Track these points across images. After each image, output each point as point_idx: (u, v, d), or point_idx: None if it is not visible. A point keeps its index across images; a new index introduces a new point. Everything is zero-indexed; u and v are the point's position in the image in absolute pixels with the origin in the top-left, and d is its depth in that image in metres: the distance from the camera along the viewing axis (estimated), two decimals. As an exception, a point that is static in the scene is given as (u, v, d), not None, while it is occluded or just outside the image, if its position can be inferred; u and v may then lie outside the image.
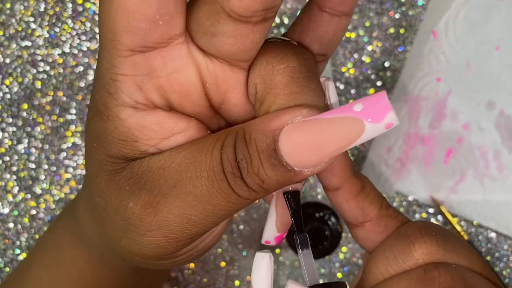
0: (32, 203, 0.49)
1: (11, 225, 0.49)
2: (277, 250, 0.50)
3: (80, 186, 0.49)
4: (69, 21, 0.49)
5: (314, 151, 0.17)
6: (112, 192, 0.20)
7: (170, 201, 0.19)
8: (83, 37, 0.49)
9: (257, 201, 0.49)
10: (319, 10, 0.21)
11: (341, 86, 0.50)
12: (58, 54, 0.49)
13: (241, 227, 0.50)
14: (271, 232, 0.23)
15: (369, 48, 0.50)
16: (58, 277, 0.30)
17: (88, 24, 0.49)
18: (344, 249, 0.48)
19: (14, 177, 0.49)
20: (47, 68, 0.49)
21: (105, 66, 0.18)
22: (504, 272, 0.49)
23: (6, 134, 0.49)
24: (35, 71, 0.49)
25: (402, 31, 0.49)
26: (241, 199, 0.19)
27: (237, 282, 0.50)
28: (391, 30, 0.50)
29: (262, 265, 0.21)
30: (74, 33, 0.49)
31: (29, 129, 0.49)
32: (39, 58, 0.49)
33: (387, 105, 0.16)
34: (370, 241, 0.23)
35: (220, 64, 0.19)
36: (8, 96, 0.49)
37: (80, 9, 0.49)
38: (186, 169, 0.19)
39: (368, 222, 0.22)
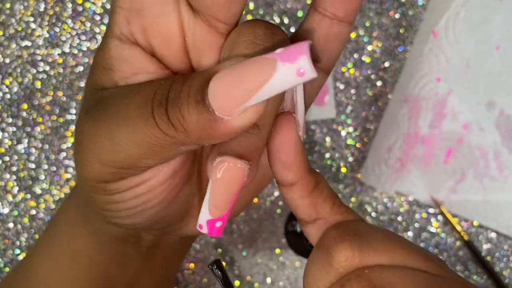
0: (32, 203, 0.49)
1: (11, 225, 0.49)
2: (277, 250, 0.50)
3: (80, 186, 0.49)
4: (69, 21, 0.49)
5: (231, 91, 0.17)
6: (83, 118, 0.21)
7: (104, 117, 0.20)
8: (83, 37, 0.49)
9: (256, 200, 0.49)
10: (312, 10, 0.21)
11: (341, 86, 0.50)
12: (58, 54, 0.49)
13: (241, 227, 0.50)
14: (204, 214, 0.20)
15: (369, 48, 0.50)
16: (61, 262, 0.30)
17: (88, 24, 0.49)
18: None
19: (14, 177, 0.49)
20: (47, 68, 0.49)
21: (113, 2, 0.20)
22: (504, 272, 0.49)
23: (6, 134, 0.49)
24: (35, 71, 0.49)
25: (402, 31, 0.50)
26: (160, 132, 0.18)
27: (237, 282, 0.50)
28: (391, 30, 0.50)
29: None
30: (74, 33, 0.49)
31: (29, 129, 0.49)
32: (39, 58, 0.49)
33: (303, 49, 0.16)
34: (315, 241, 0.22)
35: (201, 22, 0.20)
36: (8, 96, 0.49)
37: (80, 9, 0.49)
38: (128, 94, 0.20)
39: (320, 219, 0.22)
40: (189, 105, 0.18)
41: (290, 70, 0.16)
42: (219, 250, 0.50)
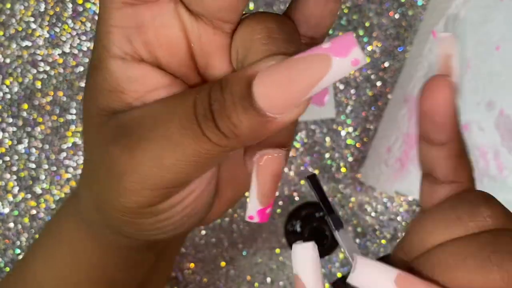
0: (32, 203, 0.49)
1: (11, 225, 0.49)
2: (277, 250, 0.50)
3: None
4: (69, 21, 0.49)
5: (283, 90, 0.17)
6: (98, 143, 0.20)
7: (144, 144, 0.19)
8: (83, 37, 0.49)
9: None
10: None
11: (341, 86, 0.50)
12: (58, 54, 0.49)
13: (241, 227, 0.50)
14: (254, 205, 0.21)
15: (369, 48, 0.50)
16: (60, 263, 0.29)
17: (88, 24, 0.49)
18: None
19: (14, 177, 0.49)
20: (47, 68, 0.49)
21: (100, 20, 0.19)
22: (504, 272, 0.49)
23: (7, 134, 0.49)
24: (35, 71, 0.49)
25: (402, 31, 0.50)
26: (212, 144, 0.18)
27: (237, 282, 0.50)
28: (391, 30, 0.50)
29: (307, 257, 0.20)
30: (74, 33, 0.49)
31: (29, 129, 0.49)
32: (39, 58, 0.49)
33: (352, 41, 0.17)
34: (436, 200, 0.22)
35: (204, 25, 0.20)
36: (9, 96, 0.49)
37: (80, 9, 0.49)
38: (162, 114, 0.19)
39: (457, 183, 0.22)
40: (238, 112, 0.18)
41: (346, 62, 0.17)
42: (219, 249, 0.50)
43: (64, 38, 0.49)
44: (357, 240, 0.48)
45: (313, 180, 0.21)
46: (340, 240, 0.21)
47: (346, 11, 0.50)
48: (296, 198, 0.50)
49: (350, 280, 0.19)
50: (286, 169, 0.50)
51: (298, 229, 0.47)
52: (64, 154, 0.49)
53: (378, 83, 0.50)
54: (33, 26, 0.49)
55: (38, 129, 0.49)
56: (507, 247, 0.19)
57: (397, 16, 0.50)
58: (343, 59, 0.17)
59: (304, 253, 0.20)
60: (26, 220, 0.49)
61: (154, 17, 0.20)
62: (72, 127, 0.49)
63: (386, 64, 0.50)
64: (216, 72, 0.21)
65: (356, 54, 0.17)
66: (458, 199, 0.21)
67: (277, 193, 0.50)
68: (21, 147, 0.49)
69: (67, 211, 0.30)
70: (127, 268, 0.29)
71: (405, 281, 0.19)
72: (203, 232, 0.50)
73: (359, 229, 0.50)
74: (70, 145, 0.49)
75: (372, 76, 0.50)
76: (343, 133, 0.50)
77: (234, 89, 0.18)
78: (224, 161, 0.26)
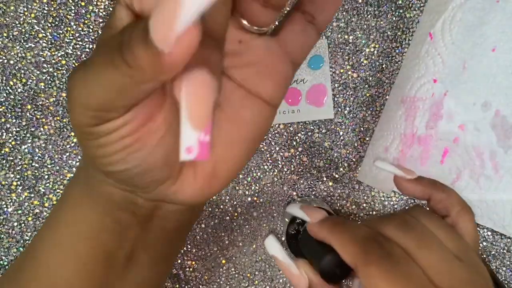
0: (36, 202, 0.49)
1: (15, 223, 0.49)
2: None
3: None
4: (72, 23, 0.49)
5: (158, 21, 0.18)
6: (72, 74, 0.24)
7: (81, 67, 0.22)
8: (86, 39, 0.49)
9: (256, 199, 0.50)
10: None
11: (339, 88, 0.50)
12: (61, 56, 0.49)
13: (241, 225, 0.50)
14: (186, 134, 0.21)
15: (367, 50, 0.50)
16: (65, 240, 0.31)
17: (91, 26, 0.49)
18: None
19: (18, 176, 0.49)
20: (51, 69, 0.49)
21: None
22: (500, 270, 0.49)
23: (10, 134, 0.49)
24: (38, 72, 0.49)
25: (399, 33, 0.50)
26: (120, 73, 0.21)
27: (237, 280, 0.50)
28: (389, 32, 0.50)
29: (272, 241, 0.31)
30: (77, 35, 0.49)
31: (32, 129, 0.49)
32: (43, 59, 0.49)
33: None
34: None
35: None
36: (12, 96, 0.49)
37: (83, 11, 0.49)
38: (103, 45, 0.23)
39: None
40: (138, 43, 0.19)
41: None
42: (219, 248, 0.50)
43: (67, 40, 0.49)
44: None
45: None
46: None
47: (344, 13, 0.50)
48: (296, 197, 0.50)
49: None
50: (285, 169, 0.50)
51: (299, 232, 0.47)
52: (67, 154, 0.49)
53: (376, 85, 0.50)
54: (37, 27, 0.49)
55: (42, 129, 0.49)
56: None
57: (394, 18, 0.50)
58: None
59: (271, 243, 0.31)
60: (29, 219, 0.49)
61: None
62: (75, 128, 0.49)
63: (384, 66, 0.50)
64: None
65: None
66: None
67: (268, 181, 0.50)
68: (24, 147, 0.49)
69: (72, 183, 0.32)
70: (116, 232, 0.30)
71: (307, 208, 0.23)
72: (204, 230, 0.50)
73: (357, 228, 0.50)
74: (73, 145, 0.49)
75: (370, 78, 0.50)
76: (341, 133, 0.50)
77: (139, 25, 0.20)
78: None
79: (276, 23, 0.30)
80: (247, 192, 0.50)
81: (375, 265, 0.26)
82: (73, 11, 0.49)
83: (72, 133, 0.49)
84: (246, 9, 0.25)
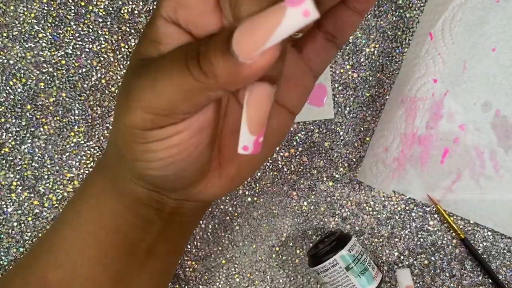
0: (36, 202, 0.49)
1: (14, 224, 0.49)
2: (277, 248, 0.50)
3: (82, 186, 0.49)
4: (72, 23, 0.49)
5: (250, 37, 0.20)
6: (130, 77, 0.25)
7: (147, 70, 0.24)
8: (86, 39, 0.49)
9: (256, 199, 0.50)
10: (341, 3, 0.27)
11: (340, 88, 0.50)
12: (61, 56, 0.49)
13: (242, 225, 0.50)
14: (245, 133, 0.23)
15: (367, 50, 0.50)
16: (86, 228, 0.32)
17: (91, 26, 0.49)
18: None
19: (18, 176, 0.49)
20: (51, 69, 0.49)
21: None
22: (500, 270, 0.49)
23: (10, 134, 0.49)
24: (38, 72, 0.49)
25: (399, 33, 0.50)
26: (194, 80, 0.22)
27: (237, 280, 0.50)
28: (389, 32, 0.50)
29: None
30: (77, 35, 0.49)
31: (32, 129, 0.49)
32: (42, 59, 0.49)
33: None
34: None
35: None
36: (12, 96, 0.49)
37: (83, 11, 0.49)
38: (168, 54, 0.24)
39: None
40: (217, 54, 0.21)
41: (297, 12, 0.19)
42: (219, 248, 0.50)
43: (67, 40, 0.49)
44: (355, 238, 0.48)
45: None
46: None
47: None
48: (295, 197, 0.50)
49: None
50: (285, 169, 0.50)
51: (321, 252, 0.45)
52: (67, 154, 0.49)
53: (376, 85, 0.50)
54: (36, 27, 0.49)
55: (41, 129, 0.49)
56: None
57: (394, 18, 0.50)
58: (294, 8, 0.19)
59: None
60: (29, 219, 0.49)
61: (197, 4, 0.24)
62: (75, 128, 0.49)
63: (384, 66, 0.50)
64: None
65: (307, 6, 0.19)
66: None
67: (268, 181, 0.50)
68: (24, 147, 0.49)
69: (92, 181, 0.34)
70: (139, 227, 0.32)
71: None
72: (204, 230, 0.50)
73: (357, 228, 0.50)
74: (72, 145, 0.49)
75: (370, 78, 0.50)
76: (341, 133, 0.50)
77: (219, 37, 0.21)
78: (224, 129, 0.30)
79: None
80: (247, 192, 0.50)
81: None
82: (73, 11, 0.49)
83: (72, 133, 0.49)
84: None
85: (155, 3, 0.49)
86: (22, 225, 0.49)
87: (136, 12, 0.49)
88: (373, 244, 0.50)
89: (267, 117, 0.23)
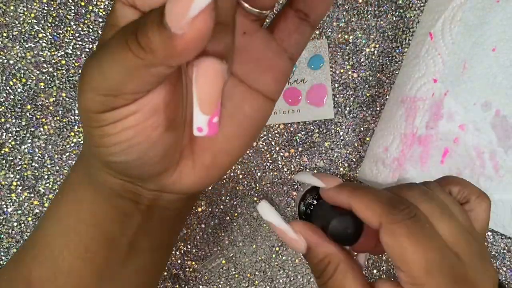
0: (36, 202, 0.49)
1: (15, 223, 0.49)
2: (277, 248, 0.50)
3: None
4: (72, 23, 0.49)
5: (175, 4, 0.19)
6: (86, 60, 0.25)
7: (96, 53, 0.23)
8: (86, 39, 0.49)
9: (256, 199, 0.50)
10: None
11: (339, 88, 0.50)
12: (61, 56, 0.49)
13: (242, 225, 0.50)
14: (197, 114, 0.23)
15: (367, 50, 0.50)
16: (67, 222, 0.32)
17: (91, 26, 0.49)
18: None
19: (18, 176, 0.49)
20: (51, 69, 0.49)
21: None
22: (500, 271, 0.49)
23: (10, 134, 0.49)
24: (38, 72, 0.49)
25: (399, 33, 0.50)
26: (134, 56, 0.22)
27: (237, 280, 0.50)
28: (389, 32, 0.50)
29: (264, 206, 0.28)
30: (76, 34, 0.49)
31: (32, 129, 0.49)
32: (42, 59, 0.49)
33: None
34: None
35: None
36: (12, 96, 0.49)
37: (83, 11, 0.49)
38: (115, 33, 0.24)
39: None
40: (153, 27, 0.21)
41: None
42: (219, 248, 0.50)
43: (67, 40, 0.49)
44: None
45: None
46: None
47: (344, 13, 0.50)
48: (296, 198, 0.50)
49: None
50: (285, 169, 0.50)
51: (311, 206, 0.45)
52: (67, 154, 0.49)
53: (376, 85, 0.50)
54: (36, 27, 0.49)
55: (41, 129, 0.49)
56: None
57: (394, 18, 0.50)
58: None
59: (264, 208, 0.28)
60: (29, 219, 0.49)
61: None
62: (75, 128, 0.49)
63: (384, 66, 0.50)
64: None
65: None
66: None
67: (268, 181, 0.50)
68: (24, 147, 0.49)
69: (72, 174, 0.33)
70: (118, 220, 0.31)
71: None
72: (204, 230, 0.50)
73: (357, 228, 0.50)
74: (72, 145, 0.49)
75: (370, 78, 0.50)
76: (341, 133, 0.50)
77: (155, 11, 0.21)
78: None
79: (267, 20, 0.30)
80: (247, 192, 0.50)
81: (402, 225, 0.27)
82: (73, 11, 0.49)
83: (72, 133, 0.49)
84: None
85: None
86: (22, 225, 0.49)
87: (136, 12, 0.49)
88: (373, 244, 0.50)
89: (219, 95, 0.22)
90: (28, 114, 0.49)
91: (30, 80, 0.49)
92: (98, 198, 0.31)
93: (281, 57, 0.29)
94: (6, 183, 0.49)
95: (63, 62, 0.49)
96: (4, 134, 0.49)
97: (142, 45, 0.21)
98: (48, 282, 0.32)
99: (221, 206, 0.50)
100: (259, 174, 0.50)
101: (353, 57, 0.50)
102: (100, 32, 0.26)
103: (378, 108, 0.50)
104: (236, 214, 0.50)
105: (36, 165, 0.49)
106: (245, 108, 0.29)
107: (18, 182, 0.49)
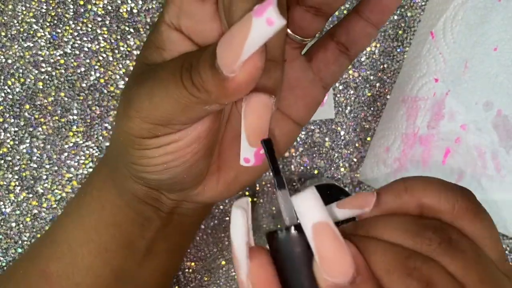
0: (34, 203, 0.49)
1: (13, 224, 0.49)
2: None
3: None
4: (71, 22, 0.49)
5: (226, 50, 0.20)
6: (131, 84, 0.26)
7: (146, 80, 0.24)
8: (85, 38, 0.49)
9: (256, 199, 0.50)
10: (354, 12, 0.27)
11: (340, 87, 0.50)
12: (60, 55, 0.49)
13: (241, 226, 0.50)
14: (245, 146, 0.23)
15: (368, 49, 0.50)
16: (88, 222, 0.33)
17: (90, 25, 0.49)
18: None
19: (16, 176, 0.49)
20: (49, 68, 0.49)
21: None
22: (502, 271, 0.50)
23: (8, 134, 0.49)
24: (36, 71, 0.49)
25: (400, 32, 0.50)
26: (187, 93, 0.22)
27: (237, 281, 0.50)
28: (390, 31, 0.50)
29: (237, 218, 0.21)
30: (75, 34, 0.49)
31: (31, 129, 0.49)
32: (41, 59, 0.49)
33: (270, 2, 0.18)
34: None
35: None
36: (10, 96, 0.49)
37: (82, 10, 0.49)
38: (165, 64, 0.24)
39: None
40: (205, 68, 0.21)
41: (261, 21, 0.18)
42: (219, 249, 0.50)
43: (65, 39, 0.49)
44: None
45: (268, 144, 0.22)
46: (280, 199, 0.22)
47: (345, 12, 0.50)
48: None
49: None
50: (285, 169, 0.50)
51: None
52: (65, 154, 0.49)
53: (377, 84, 0.50)
54: (35, 27, 0.49)
55: (40, 129, 0.49)
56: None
57: (396, 17, 0.50)
58: (259, 18, 0.18)
59: (237, 216, 0.21)
60: (28, 219, 0.49)
61: (197, 12, 0.24)
62: (74, 128, 0.49)
63: (385, 65, 0.50)
64: None
65: (270, 14, 0.18)
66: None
67: (268, 181, 0.50)
68: (22, 147, 0.49)
69: (96, 174, 0.34)
70: (138, 223, 0.32)
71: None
72: (203, 231, 0.50)
73: (358, 228, 0.50)
74: (71, 145, 0.49)
75: (371, 77, 0.50)
76: (342, 133, 0.50)
77: (208, 50, 0.21)
78: (223, 137, 0.30)
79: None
80: (247, 193, 0.50)
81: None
82: (71, 10, 0.49)
83: (71, 133, 0.49)
84: (296, 17, 0.27)
85: (154, 2, 0.49)
86: (21, 225, 0.49)
87: (135, 11, 0.49)
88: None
89: (267, 128, 0.23)
90: (26, 114, 0.49)
91: (29, 80, 0.49)
92: (121, 201, 0.32)
93: (316, 86, 0.30)
94: (5, 183, 0.49)
95: (62, 61, 0.49)
96: (3, 134, 0.49)
97: (196, 84, 0.21)
98: (65, 278, 0.33)
99: (221, 207, 0.50)
100: (259, 174, 0.50)
101: (354, 57, 0.50)
102: (141, 50, 0.27)
103: (379, 108, 0.50)
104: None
105: (35, 165, 0.49)
106: (275, 131, 0.29)
107: (17, 182, 0.49)
